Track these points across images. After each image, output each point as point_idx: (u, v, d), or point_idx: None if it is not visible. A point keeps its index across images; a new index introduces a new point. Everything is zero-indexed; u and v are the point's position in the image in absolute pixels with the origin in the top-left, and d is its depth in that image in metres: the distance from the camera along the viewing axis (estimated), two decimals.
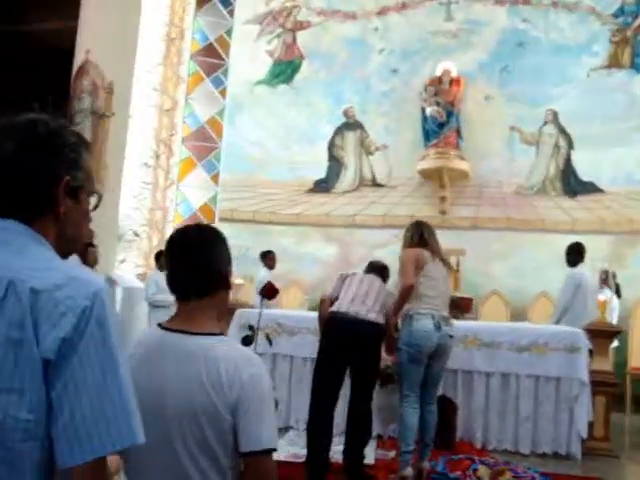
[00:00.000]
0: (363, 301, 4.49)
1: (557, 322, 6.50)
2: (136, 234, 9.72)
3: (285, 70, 10.90)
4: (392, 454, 5.16)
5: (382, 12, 10.43)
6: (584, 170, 9.45)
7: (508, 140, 9.71)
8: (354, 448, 4.38)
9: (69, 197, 1.26)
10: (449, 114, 9.55)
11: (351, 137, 10.59)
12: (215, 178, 10.74)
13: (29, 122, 1.25)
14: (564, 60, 9.61)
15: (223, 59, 10.77)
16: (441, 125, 9.55)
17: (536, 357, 5.54)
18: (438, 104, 9.61)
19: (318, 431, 4.37)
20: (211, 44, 10.70)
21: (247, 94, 10.90)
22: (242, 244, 10.30)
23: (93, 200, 1.37)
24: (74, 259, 6.61)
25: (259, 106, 10.85)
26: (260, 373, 1.69)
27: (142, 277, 9.16)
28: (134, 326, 8.10)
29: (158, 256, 7.94)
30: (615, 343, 6.80)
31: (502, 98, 9.78)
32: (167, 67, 10.17)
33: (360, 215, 10.30)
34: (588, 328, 5.82)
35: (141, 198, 9.90)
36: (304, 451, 4.49)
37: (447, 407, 5.37)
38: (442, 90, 9.70)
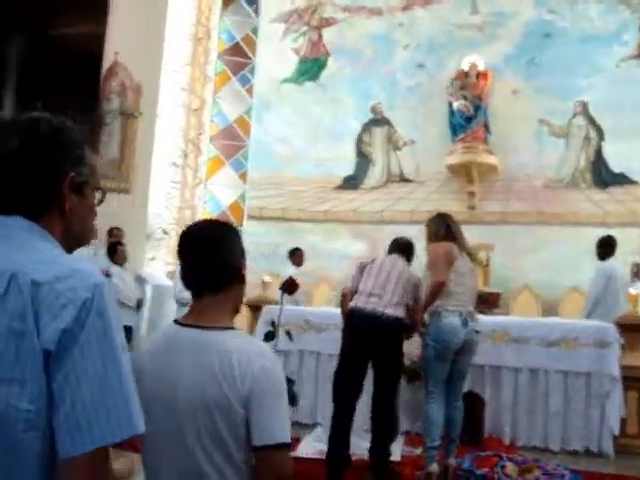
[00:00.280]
0: (380, 294, 4.42)
1: (588, 316, 6.41)
2: (165, 232, 9.82)
3: (311, 67, 10.90)
4: (419, 451, 5.13)
5: (407, 7, 10.38)
6: (615, 161, 9.29)
7: (537, 133, 9.59)
8: (379, 445, 4.36)
9: (74, 193, 1.28)
10: (476, 108, 9.46)
11: (378, 133, 10.56)
12: (243, 176, 10.79)
13: (32, 120, 1.27)
14: (593, 50, 9.46)
15: (250, 58, 10.82)
16: (468, 119, 9.46)
17: (565, 352, 5.46)
18: (465, 98, 9.53)
19: (338, 426, 4.38)
20: (237, 43, 10.76)
21: (274, 92, 10.93)
22: (271, 242, 10.37)
23: (98, 195, 1.39)
24: (103, 257, 6.69)
25: (286, 104, 10.87)
26: (273, 366, 1.68)
27: (171, 275, 9.25)
28: (163, 323, 8.20)
29: None
30: None
31: (530, 91, 9.66)
32: (194, 67, 10.25)
33: (388, 211, 10.27)
34: (619, 322, 5.72)
35: (170, 197, 10.00)
36: None
37: (474, 403, 5.34)
38: (469, 84, 9.61)
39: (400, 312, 4.42)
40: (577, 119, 9.54)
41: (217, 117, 10.67)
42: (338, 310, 5.89)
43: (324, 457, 4.48)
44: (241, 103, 10.78)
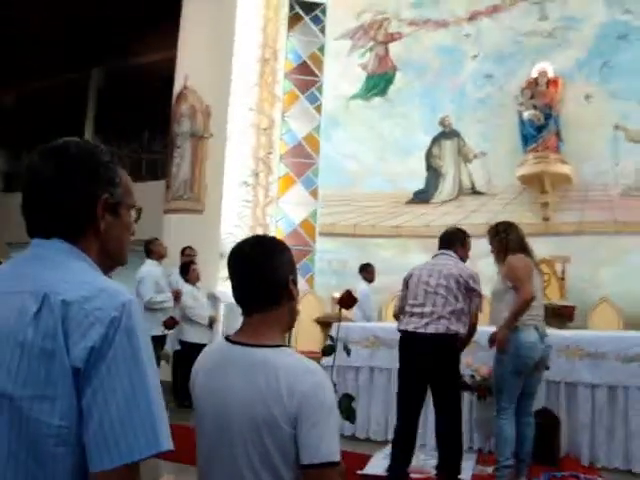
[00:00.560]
0: (421, 312, 4.33)
1: None
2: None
3: (379, 83, 10.91)
4: (491, 469, 5.00)
5: (473, 17, 10.26)
6: None
7: (612, 140, 9.23)
8: (445, 463, 4.30)
9: (109, 213, 1.32)
10: (547, 117, 9.22)
11: (448, 146, 10.45)
12: (314, 193, 10.89)
13: (63, 145, 1.33)
14: None
15: (317, 76, 10.95)
16: (539, 129, 9.23)
17: None
18: (535, 107, 9.30)
19: (398, 443, 4.36)
20: (304, 62, 10.92)
21: (342, 109, 10.99)
22: (342, 258, 10.40)
23: (134, 213, 1.43)
24: (176, 276, 6.83)
25: (354, 120, 10.90)
26: (321, 383, 1.66)
27: None
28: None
29: None
30: None
31: (604, 96, 9.33)
32: (262, 87, 10.44)
33: (460, 224, 10.06)
34: None
35: (242, 216, 10.18)
36: None
37: (549, 421, 5.17)
38: (539, 92, 9.38)
39: (444, 326, 4.28)
40: None
41: (286, 136, 10.83)
42: None
43: None
44: (310, 121, 10.91)
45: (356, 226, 10.68)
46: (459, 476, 4.41)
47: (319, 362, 6.30)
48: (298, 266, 10.49)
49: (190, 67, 9.17)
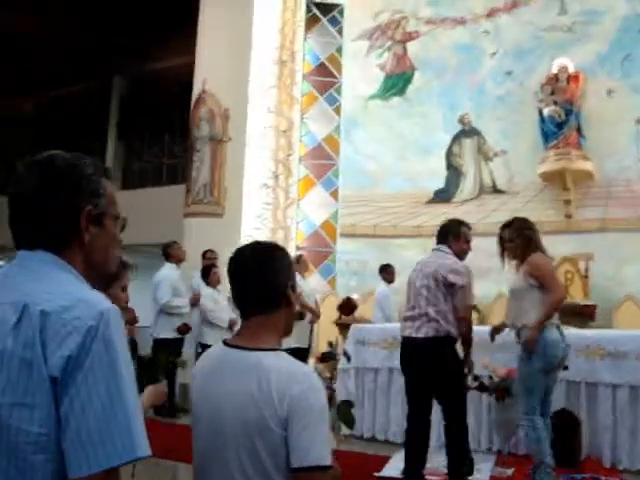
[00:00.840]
0: (413, 316, 4.32)
1: None
2: None
3: (397, 82, 10.86)
4: (510, 471, 4.95)
5: (491, 14, 10.15)
6: None
7: (636, 134, 9.05)
8: (450, 468, 4.28)
9: (93, 225, 1.34)
10: (568, 113, 9.07)
11: (468, 144, 10.36)
12: (335, 194, 10.88)
13: (48, 158, 1.35)
14: None
15: (335, 77, 10.94)
16: (560, 125, 9.09)
17: None
18: (555, 103, 9.16)
19: (410, 446, 4.35)
20: (322, 63, 10.93)
21: (361, 109, 10.96)
22: (363, 259, 10.37)
23: (119, 223, 1.44)
24: (197, 278, 6.86)
25: (374, 120, 10.87)
26: (312, 387, 1.68)
27: None
28: None
29: None
30: None
31: (626, 90, 9.16)
32: (281, 89, 10.46)
33: (482, 223, 9.98)
34: None
35: (263, 218, 10.21)
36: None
37: (569, 422, 5.09)
38: (559, 88, 9.25)
39: (432, 329, 4.24)
40: None
41: (306, 137, 10.84)
42: None
43: None
44: (329, 122, 10.91)
45: (376, 226, 10.64)
46: (469, 478, 4.36)
47: (337, 366, 6.32)
48: (320, 267, 10.56)
49: (208, 71, 9.21)
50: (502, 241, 4.56)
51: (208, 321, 7.54)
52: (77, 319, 1.17)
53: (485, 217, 9.97)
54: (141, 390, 2.31)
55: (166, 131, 13.01)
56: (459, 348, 4.39)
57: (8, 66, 12.82)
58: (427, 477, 4.49)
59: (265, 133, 10.18)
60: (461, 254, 4.46)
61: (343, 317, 6.70)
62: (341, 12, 11.03)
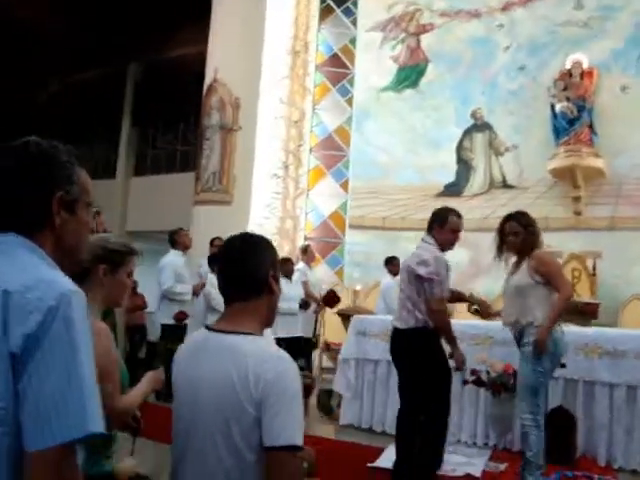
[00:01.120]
0: (397, 308, 4.40)
1: None
2: None
3: (410, 75, 10.82)
4: (503, 467, 4.95)
5: (506, 7, 10.06)
6: None
7: None
8: (417, 461, 4.29)
9: (65, 210, 1.38)
10: (580, 109, 8.98)
11: (480, 139, 10.31)
12: (345, 185, 10.89)
13: (23, 144, 1.38)
14: None
15: (348, 68, 10.93)
16: (572, 121, 9.00)
17: None
18: (568, 99, 9.08)
19: (399, 439, 4.39)
20: (336, 54, 10.91)
21: (373, 101, 10.94)
22: (371, 251, 10.36)
23: (92, 211, 1.49)
24: (205, 266, 6.90)
25: (385, 112, 10.84)
26: (286, 371, 1.73)
27: None
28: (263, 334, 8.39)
29: (282, 264, 8.13)
30: None
31: None
32: (293, 80, 10.46)
33: (491, 218, 9.95)
34: None
35: (272, 208, 10.24)
36: None
37: (565, 419, 5.08)
38: (572, 84, 9.15)
39: (405, 321, 4.26)
40: None
41: (317, 128, 10.84)
42: None
43: None
44: (341, 113, 10.90)
45: (385, 219, 10.63)
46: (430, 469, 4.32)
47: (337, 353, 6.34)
48: (327, 258, 10.58)
49: (220, 60, 9.23)
50: (502, 234, 4.39)
51: (212, 307, 7.59)
52: (39, 299, 1.21)
53: (494, 212, 9.91)
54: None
55: (180, 119, 13.04)
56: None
57: (26, 53, 12.93)
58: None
59: (276, 123, 10.19)
60: (445, 244, 4.33)
61: (327, 309, 6.79)
62: (355, 3, 11.00)
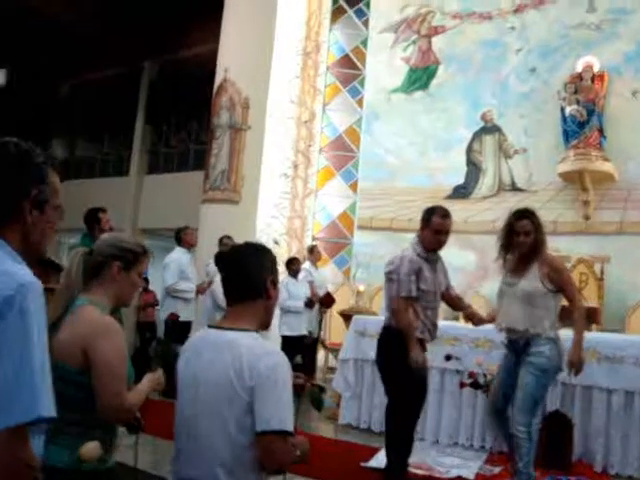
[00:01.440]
0: None
1: None
2: (276, 242, 10.07)
3: (421, 76, 10.79)
4: (497, 470, 4.95)
5: (519, 10, 10.00)
6: None
7: None
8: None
9: (36, 209, 1.45)
10: (590, 112, 8.90)
11: (489, 141, 10.26)
12: (354, 186, 10.90)
13: (2, 144, 1.45)
14: None
15: (359, 69, 10.94)
16: (581, 125, 8.94)
17: None
18: (578, 102, 9.02)
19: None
20: (347, 55, 10.93)
21: (384, 102, 10.93)
22: (379, 252, 10.35)
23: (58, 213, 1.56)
24: (213, 265, 7.00)
25: (396, 113, 10.82)
26: (278, 363, 1.94)
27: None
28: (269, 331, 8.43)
29: (289, 263, 8.17)
30: None
31: None
32: (304, 80, 10.49)
33: (500, 221, 9.86)
34: None
35: (281, 207, 10.27)
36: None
37: (562, 424, 5.06)
38: (583, 87, 9.08)
39: (388, 319, 4.34)
40: None
41: (327, 128, 10.86)
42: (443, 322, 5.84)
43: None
44: (351, 114, 10.91)
45: (393, 220, 10.62)
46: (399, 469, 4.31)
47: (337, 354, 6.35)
48: (335, 258, 10.59)
49: (230, 60, 9.27)
50: (512, 232, 4.16)
51: (218, 305, 7.64)
52: None
53: (503, 215, 9.71)
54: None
55: (193, 117, 13.11)
56: None
57: (43, 52, 13.09)
58: (411, 470, 4.52)
59: (286, 123, 10.22)
60: (427, 244, 4.31)
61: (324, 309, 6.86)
62: (367, 4, 10.99)
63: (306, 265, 8.58)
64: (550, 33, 9.78)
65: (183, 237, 7.54)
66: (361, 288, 7.56)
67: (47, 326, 1.81)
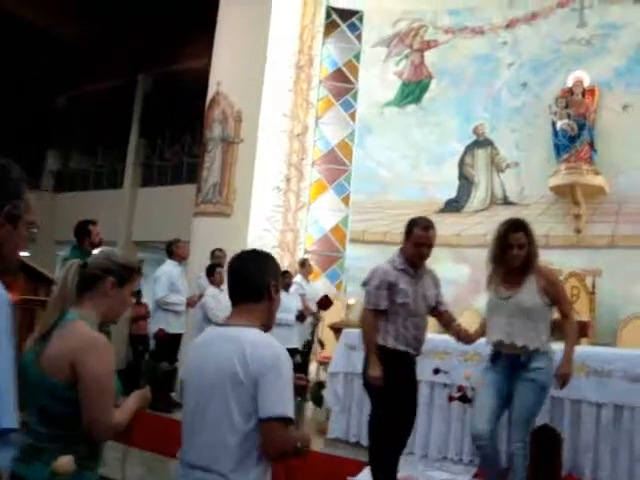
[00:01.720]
0: None
1: None
2: None
3: (414, 90, 10.84)
4: None
5: (511, 25, 10.07)
6: None
7: None
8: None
9: (9, 223, 1.46)
10: (581, 127, 8.96)
11: (481, 155, 10.29)
12: (346, 200, 10.90)
13: None
14: None
15: (352, 83, 10.98)
16: (572, 139, 8.98)
17: None
18: (569, 117, 9.07)
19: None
20: (340, 69, 10.97)
21: (376, 116, 10.96)
22: (372, 265, 10.32)
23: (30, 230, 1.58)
24: (204, 277, 6.95)
25: (388, 127, 10.85)
26: (279, 355, 2.07)
27: None
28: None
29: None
30: None
31: None
32: (297, 93, 10.51)
33: (491, 235, 9.91)
34: None
35: (273, 220, 10.25)
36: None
37: (550, 438, 5.03)
38: (573, 102, 9.14)
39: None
40: None
41: (320, 142, 10.88)
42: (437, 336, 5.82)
43: None
44: (344, 127, 10.94)
45: (387, 234, 10.61)
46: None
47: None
48: (327, 272, 10.57)
49: (223, 73, 9.31)
50: (506, 244, 4.08)
51: (208, 319, 7.62)
52: None
53: (494, 228, 9.86)
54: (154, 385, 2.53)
55: (187, 130, 13.15)
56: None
57: (37, 64, 13.14)
58: None
59: (279, 136, 10.23)
60: (409, 256, 4.30)
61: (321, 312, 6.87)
62: (360, 18, 11.05)
63: (297, 278, 8.57)
64: (541, 48, 9.85)
65: (175, 250, 7.53)
66: (351, 301, 7.55)
67: (37, 337, 1.86)
